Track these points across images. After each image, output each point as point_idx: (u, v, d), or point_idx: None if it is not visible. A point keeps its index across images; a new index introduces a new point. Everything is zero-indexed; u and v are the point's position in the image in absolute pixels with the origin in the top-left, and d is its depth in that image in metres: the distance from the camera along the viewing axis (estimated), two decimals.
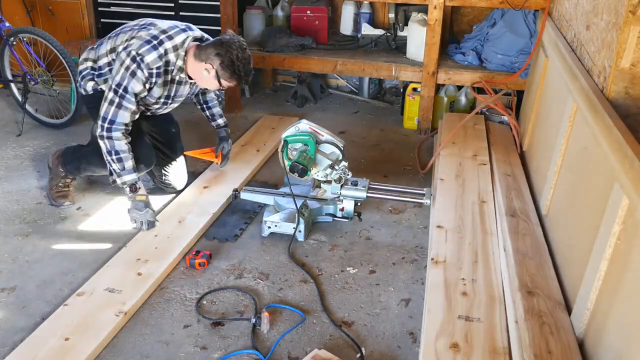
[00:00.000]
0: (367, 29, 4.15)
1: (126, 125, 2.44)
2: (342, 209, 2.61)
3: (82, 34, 4.29)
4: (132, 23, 2.60)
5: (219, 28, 3.80)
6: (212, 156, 2.96)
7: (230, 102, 3.99)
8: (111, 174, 2.49)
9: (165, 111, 2.73)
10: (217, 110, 2.93)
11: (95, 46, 2.66)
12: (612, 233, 1.52)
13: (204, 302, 2.16)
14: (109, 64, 2.56)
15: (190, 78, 2.54)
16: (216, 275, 2.31)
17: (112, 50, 2.55)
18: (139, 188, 2.52)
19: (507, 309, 1.88)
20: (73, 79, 3.43)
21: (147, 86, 2.43)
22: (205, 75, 2.45)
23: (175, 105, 2.70)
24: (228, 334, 2.00)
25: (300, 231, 2.51)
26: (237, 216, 2.74)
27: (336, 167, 2.54)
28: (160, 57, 2.39)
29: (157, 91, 2.48)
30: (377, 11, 4.27)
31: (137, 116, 2.49)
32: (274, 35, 3.91)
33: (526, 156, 2.97)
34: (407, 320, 2.08)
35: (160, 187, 2.90)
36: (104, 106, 2.41)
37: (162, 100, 2.55)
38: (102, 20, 4.27)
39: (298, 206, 2.52)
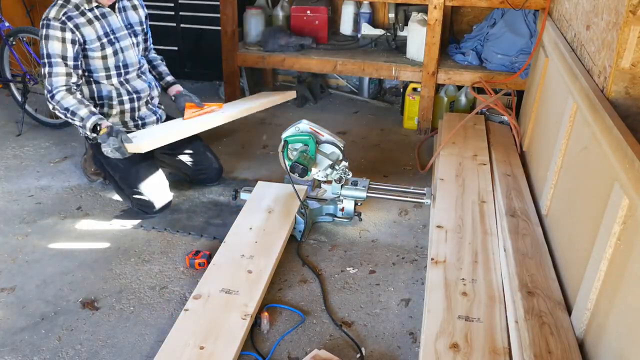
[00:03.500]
0: (367, 29, 4.15)
1: (65, 85, 2.52)
2: (342, 209, 2.61)
3: None
4: None
5: (219, 28, 3.80)
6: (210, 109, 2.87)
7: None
8: (79, 129, 2.62)
9: (127, 57, 2.71)
10: (163, 68, 2.98)
11: None
12: (612, 233, 1.52)
13: None
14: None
15: (111, 7, 2.62)
16: None
17: None
18: (101, 126, 2.50)
19: (507, 309, 1.88)
20: None
21: (70, 36, 2.50)
22: None
23: (125, 43, 2.69)
24: None
25: (300, 231, 2.51)
26: (237, 216, 2.73)
27: (336, 167, 2.54)
28: (61, 6, 2.50)
29: (88, 32, 2.55)
30: (377, 11, 4.27)
31: (74, 78, 2.55)
32: (274, 35, 3.91)
33: (526, 156, 2.97)
34: (407, 320, 2.08)
35: (140, 211, 2.71)
36: (44, 82, 2.54)
37: (104, 40, 2.60)
38: None
39: (299, 206, 2.53)
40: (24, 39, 3.60)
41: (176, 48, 4.13)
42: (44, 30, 2.48)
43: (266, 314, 2.03)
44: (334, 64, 3.76)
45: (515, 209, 2.40)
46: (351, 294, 2.22)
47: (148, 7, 4.09)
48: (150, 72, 2.95)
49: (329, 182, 2.61)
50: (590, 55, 2.13)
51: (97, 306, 2.13)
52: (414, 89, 3.79)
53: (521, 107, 3.45)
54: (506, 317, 1.86)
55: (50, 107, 2.56)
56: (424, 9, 3.79)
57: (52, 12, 2.49)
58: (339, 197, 2.60)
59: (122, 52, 2.70)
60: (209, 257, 2.36)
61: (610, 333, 1.50)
